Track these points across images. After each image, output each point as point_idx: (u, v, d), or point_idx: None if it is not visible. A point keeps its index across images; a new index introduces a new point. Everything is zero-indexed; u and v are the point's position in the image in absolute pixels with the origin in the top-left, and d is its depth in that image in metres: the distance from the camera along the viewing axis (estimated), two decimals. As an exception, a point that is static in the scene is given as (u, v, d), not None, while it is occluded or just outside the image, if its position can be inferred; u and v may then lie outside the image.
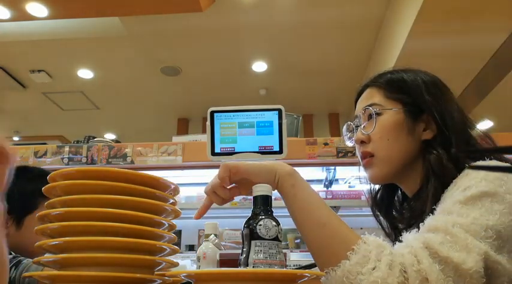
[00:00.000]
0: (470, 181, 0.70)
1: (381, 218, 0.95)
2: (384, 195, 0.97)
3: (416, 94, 0.86)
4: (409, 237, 0.65)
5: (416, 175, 0.85)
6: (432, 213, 0.71)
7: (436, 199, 0.76)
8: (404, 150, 0.85)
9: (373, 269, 0.59)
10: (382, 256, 0.60)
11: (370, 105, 0.88)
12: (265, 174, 0.72)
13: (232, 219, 2.68)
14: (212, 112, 0.89)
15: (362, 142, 0.89)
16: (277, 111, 0.88)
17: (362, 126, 0.89)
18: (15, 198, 1.17)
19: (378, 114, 0.87)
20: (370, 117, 0.88)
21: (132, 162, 2.29)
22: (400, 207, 0.94)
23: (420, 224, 0.68)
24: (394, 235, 0.91)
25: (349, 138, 0.96)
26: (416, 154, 0.85)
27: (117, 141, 2.67)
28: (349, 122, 0.96)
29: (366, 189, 0.99)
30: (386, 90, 0.89)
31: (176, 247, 0.73)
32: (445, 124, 0.82)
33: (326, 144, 2.24)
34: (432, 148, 0.82)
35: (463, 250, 0.60)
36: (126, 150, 2.32)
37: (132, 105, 5.86)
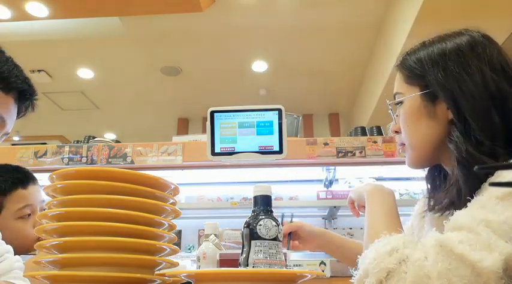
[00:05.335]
0: None
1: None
2: (434, 176, 0.91)
3: (428, 74, 0.80)
4: (428, 238, 0.64)
5: (452, 157, 0.77)
6: (466, 204, 0.67)
7: (471, 189, 0.70)
8: (426, 135, 0.81)
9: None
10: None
11: (394, 95, 0.88)
12: None
13: (232, 219, 2.67)
14: (212, 112, 0.89)
15: (396, 132, 0.89)
16: (277, 111, 0.88)
17: (394, 116, 0.90)
18: None
19: (401, 103, 0.85)
20: (396, 107, 0.88)
21: (132, 162, 2.28)
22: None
23: (446, 221, 0.66)
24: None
25: None
26: (445, 134, 0.78)
27: (117, 141, 2.66)
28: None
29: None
30: (405, 75, 0.86)
31: (176, 247, 0.73)
32: (456, 105, 0.75)
33: (326, 144, 2.24)
34: (451, 134, 0.76)
35: (484, 249, 0.57)
36: (126, 150, 2.32)
37: (132, 105, 5.86)
